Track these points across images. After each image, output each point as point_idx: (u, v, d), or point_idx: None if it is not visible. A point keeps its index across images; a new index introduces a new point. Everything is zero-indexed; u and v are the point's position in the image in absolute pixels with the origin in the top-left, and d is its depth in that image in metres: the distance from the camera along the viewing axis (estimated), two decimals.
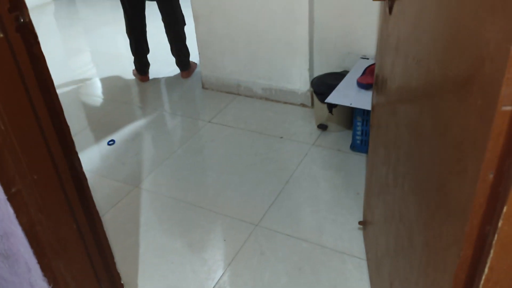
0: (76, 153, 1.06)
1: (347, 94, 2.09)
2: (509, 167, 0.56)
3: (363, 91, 2.11)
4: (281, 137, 2.40)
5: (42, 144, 0.92)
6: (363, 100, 2.04)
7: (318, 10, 2.39)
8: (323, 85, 2.30)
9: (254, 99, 2.80)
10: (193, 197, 2.01)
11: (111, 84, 3.22)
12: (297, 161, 2.20)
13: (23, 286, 1.15)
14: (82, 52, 3.91)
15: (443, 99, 0.74)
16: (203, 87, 2.99)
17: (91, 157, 2.37)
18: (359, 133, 2.17)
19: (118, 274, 1.29)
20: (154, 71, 3.25)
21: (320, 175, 2.10)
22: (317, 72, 2.56)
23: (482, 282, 0.60)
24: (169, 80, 3.16)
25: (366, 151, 2.19)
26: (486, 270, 0.59)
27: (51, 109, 0.95)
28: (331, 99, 2.08)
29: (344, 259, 1.66)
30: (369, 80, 2.10)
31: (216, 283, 1.59)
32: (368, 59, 2.36)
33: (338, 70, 2.48)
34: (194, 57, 3.23)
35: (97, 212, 1.16)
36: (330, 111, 2.27)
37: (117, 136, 2.54)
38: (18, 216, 0.96)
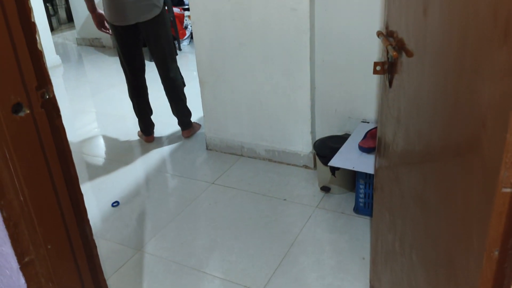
0: (88, 221, 1.08)
1: (349, 158, 2.13)
2: None
3: (364, 154, 2.15)
4: (285, 199, 2.41)
5: (57, 215, 0.94)
6: (365, 163, 2.08)
7: (319, 78, 2.50)
8: (326, 148, 2.36)
9: (257, 160, 2.84)
10: (196, 262, 2.00)
11: (115, 145, 3.28)
12: (301, 224, 2.20)
13: None
14: (88, 113, 4.01)
15: (447, 172, 0.77)
16: (207, 148, 3.05)
17: (94, 218, 2.37)
18: (362, 195, 2.19)
19: None
20: (159, 131, 3.32)
21: (324, 238, 2.09)
22: (319, 135, 2.63)
23: None
24: (173, 141, 3.23)
25: (369, 214, 2.20)
26: None
27: (67, 179, 0.98)
28: (334, 162, 2.12)
29: None
30: (370, 144, 2.16)
31: None
32: (368, 122, 2.43)
33: (340, 133, 2.54)
34: (199, 118, 3.32)
35: (104, 281, 1.16)
36: (333, 174, 2.31)
37: (121, 197, 2.56)
38: (28, 286, 0.96)
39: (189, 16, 5.87)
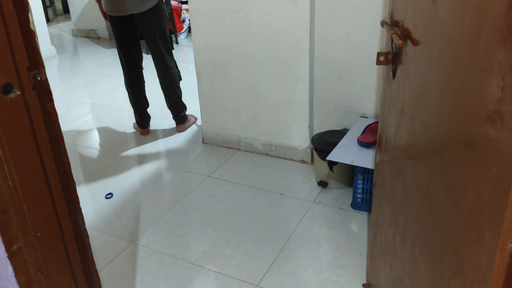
0: (80, 210, 1.05)
1: (348, 152, 2.11)
2: None
3: (363, 149, 2.13)
4: (282, 194, 2.38)
5: (48, 202, 0.90)
6: (364, 158, 2.06)
7: (318, 71, 2.47)
8: (324, 142, 2.33)
9: (254, 155, 2.81)
10: (191, 255, 1.96)
11: (111, 137, 3.23)
12: (297, 218, 2.17)
13: None
14: (83, 104, 3.96)
15: (455, 164, 0.74)
16: (203, 141, 3.01)
17: (88, 210, 2.33)
18: (360, 191, 2.17)
19: None
20: (155, 124, 3.28)
21: (321, 234, 2.06)
22: (317, 129, 2.60)
23: None
24: (169, 134, 3.19)
25: (367, 210, 2.17)
26: None
27: (59, 166, 0.94)
28: (332, 156, 2.09)
29: None
30: (370, 138, 2.13)
31: None
32: (367, 117, 2.40)
33: (338, 128, 2.51)
34: (195, 111, 3.28)
35: (96, 273, 1.12)
36: (331, 169, 2.28)
37: (115, 189, 2.52)
38: (17, 275, 0.92)
39: (186, 10, 5.82)
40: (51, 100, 0.90)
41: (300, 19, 2.34)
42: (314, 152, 2.40)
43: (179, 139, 3.10)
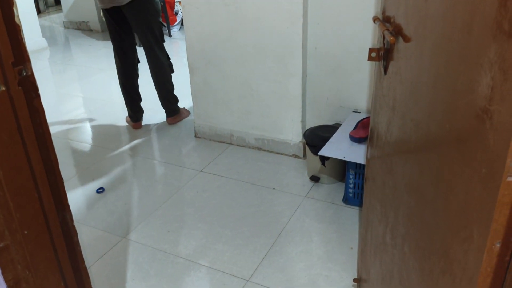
0: (69, 207, 1.03)
1: (340, 147, 2.10)
2: None
3: (355, 144, 2.13)
4: (274, 188, 2.38)
5: (35, 200, 0.89)
6: (355, 153, 2.06)
7: (311, 65, 2.46)
8: (316, 137, 2.32)
9: (246, 149, 2.80)
10: (183, 250, 1.96)
11: (102, 131, 3.21)
12: (289, 213, 2.17)
13: None
14: (75, 97, 3.92)
15: (446, 163, 0.74)
16: (195, 136, 3.00)
17: (78, 205, 2.31)
18: (351, 186, 2.17)
19: None
20: (148, 118, 3.26)
21: (312, 228, 2.07)
22: (310, 124, 2.59)
23: None
24: (162, 128, 3.17)
25: (358, 204, 2.18)
26: None
27: (47, 163, 0.93)
28: (324, 151, 2.09)
29: None
30: (362, 134, 2.13)
31: None
32: (360, 112, 2.40)
33: (330, 122, 2.51)
34: (188, 105, 3.27)
35: (85, 269, 1.11)
36: (323, 163, 2.28)
37: (107, 184, 2.50)
38: (4, 273, 0.91)
39: (179, 2, 5.76)
40: (38, 96, 0.89)
41: (293, 13, 2.32)
42: (306, 147, 2.40)
43: (172, 133, 3.09)
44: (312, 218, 2.14)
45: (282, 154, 2.71)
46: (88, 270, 1.81)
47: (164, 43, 3.02)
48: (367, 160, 1.51)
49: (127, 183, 2.51)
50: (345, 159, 2.02)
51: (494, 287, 0.60)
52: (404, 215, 1.00)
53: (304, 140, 2.56)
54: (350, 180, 2.16)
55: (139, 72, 3.11)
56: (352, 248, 1.92)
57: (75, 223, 2.18)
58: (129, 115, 3.15)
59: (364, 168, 2.01)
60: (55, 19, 7.09)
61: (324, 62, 2.42)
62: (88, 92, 4.04)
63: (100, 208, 2.29)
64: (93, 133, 3.22)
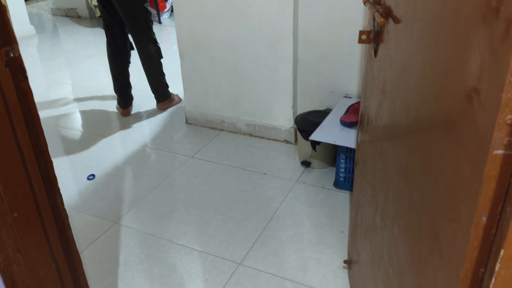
0: (59, 191, 1.03)
1: (330, 132, 2.11)
2: (501, 210, 0.57)
3: (346, 129, 2.14)
4: (265, 174, 2.39)
5: (25, 182, 0.89)
6: (346, 138, 2.07)
7: (302, 51, 2.45)
8: (307, 122, 2.33)
9: (237, 135, 2.80)
10: (174, 235, 1.97)
11: (92, 118, 3.19)
12: (280, 198, 2.19)
13: None
14: (64, 84, 3.88)
15: (434, 145, 0.75)
16: (186, 122, 2.99)
17: (69, 191, 2.31)
18: (342, 170, 2.19)
19: None
20: (139, 105, 3.24)
21: (303, 212, 2.08)
22: (301, 110, 2.59)
23: None
24: (153, 115, 3.15)
25: (349, 189, 2.20)
26: None
27: (36, 146, 0.93)
28: (315, 136, 2.10)
29: None
30: (352, 118, 2.14)
31: None
32: (350, 97, 2.41)
33: (321, 108, 2.52)
34: (180, 92, 3.25)
35: (77, 252, 1.11)
36: (314, 148, 2.29)
37: (97, 170, 2.49)
38: None
39: None
40: (26, 78, 0.88)
41: None
42: (298, 132, 2.40)
43: (163, 120, 3.07)
44: (303, 203, 2.15)
45: (273, 140, 2.72)
46: (81, 255, 1.82)
47: (152, 30, 2.99)
48: (357, 144, 1.52)
49: (118, 170, 2.50)
50: (336, 143, 2.04)
51: (480, 261, 0.61)
52: (393, 198, 1.01)
53: (295, 126, 2.56)
54: (341, 165, 2.17)
55: (132, 60, 3.08)
56: (343, 232, 1.94)
57: (67, 209, 2.19)
58: (118, 102, 3.13)
59: (354, 153, 2.03)
60: (43, 6, 6.98)
61: (315, 47, 2.41)
62: (77, 79, 4.00)
63: (91, 194, 2.29)
64: (83, 120, 3.20)
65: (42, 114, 3.20)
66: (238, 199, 2.20)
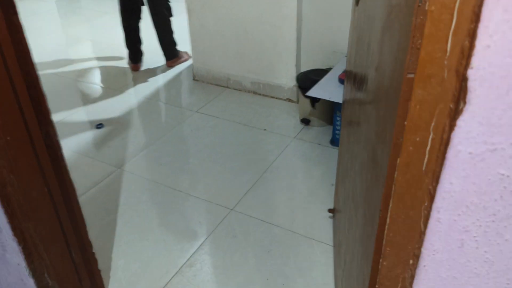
0: (51, 122, 1.13)
1: (328, 89, 2.15)
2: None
3: (343, 86, 2.17)
4: (265, 129, 2.46)
5: (16, 109, 0.98)
6: (342, 95, 2.11)
7: (306, 9, 2.46)
8: (307, 80, 2.37)
9: (242, 93, 2.86)
10: (173, 182, 2.08)
11: (106, 72, 3.29)
12: (277, 152, 2.26)
13: None
14: (81, 40, 3.98)
15: (380, 83, 0.80)
16: (194, 78, 3.06)
17: (79, 138, 2.43)
18: (338, 128, 2.24)
19: (89, 242, 1.35)
20: (149, 61, 3.32)
21: (298, 166, 2.16)
22: (304, 68, 2.63)
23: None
24: (162, 70, 3.23)
25: None
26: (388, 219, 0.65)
27: (27, 78, 1.01)
28: (312, 92, 2.15)
29: (312, 244, 1.72)
30: None
31: (187, 260, 1.65)
32: None
33: (324, 67, 2.54)
34: (188, 48, 3.31)
35: (70, 180, 1.22)
36: (313, 106, 2.34)
37: (106, 121, 2.61)
38: None
39: None
40: (16, 13, 0.96)
41: None
42: (299, 90, 2.45)
43: (171, 76, 3.15)
44: (298, 158, 2.23)
45: (276, 98, 2.77)
46: (85, 195, 1.96)
47: None
48: (344, 100, 1.57)
49: (125, 120, 2.62)
50: (331, 99, 2.08)
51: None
52: (360, 141, 1.07)
53: (297, 84, 2.60)
54: (337, 122, 2.23)
55: (143, 16, 3.13)
56: (333, 185, 2.02)
57: (75, 154, 2.32)
58: (129, 57, 3.21)
59: None
60: None
61: (319, 6, 2.42)
62: (94, 34, 4.09)
63: (99, 141, 2.41)
64: (96, 73, 3.30)
65: (61, 68, 3.32)
66: (237, 152, 2.28)
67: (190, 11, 2.81)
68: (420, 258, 0.67)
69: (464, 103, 0.52)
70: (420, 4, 0.54)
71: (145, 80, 3.11)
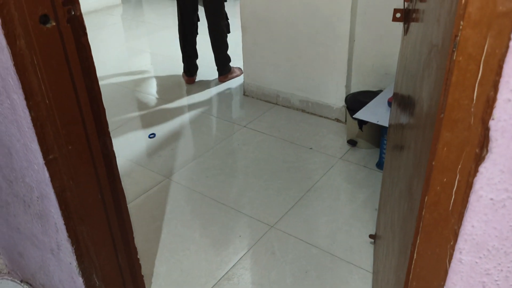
0: (109, 134, 1.22)
1: (376, 112, 2.15)
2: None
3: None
4: (311, 148, 2.48)
5: (79, 121, 1.07)
6: None
7: (359, 31, 2.47)
8: (356, 102, 2.37)
9: (291, 110, 2.90)
10: (217, 194, 2.14)
11: (162, 84, 3.44)
12: (322, 172, 2.27)
13: (52, 245, 1.31)
14: (142, 52, 4.19)
15: (420, 116, 0.81)
16: (244, 94, 3.14)
17: (132, 146, 2.56)
18: (385, 151, 2.21)
19: (135, 248, 1.43)
20: (203, 75, 3.45)
21: (342, 188, 2.16)
22: (354, 89, 2.63)
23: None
24: (214, 85, 3.34)
25: None
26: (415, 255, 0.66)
27: (90, 93, 1.11)
28: (359, 115, 2.15)
29: (351, 269, 1.71)
30: None
31: (225, 274, 1.70)
32: None
33: (374, 89, 2.53)
34: (240, 64, 3.40)
35: (121, 189, 1.30)
36: (360, 128, 2.33)
37: (159, 130, 2.73)
38: (52, 180, 1.12)
39: None
40: (85, 34, 1.05)
41: None
42: (347, 111, 2.45)
43: (223, 90, 3.25)
44: (343, 179, 2.22)
45: (325, 117, 2.78)
46: (135, 201, 2.07)
47: (224, 4, 3.15)
48: (390, 124, 1.56)
49: (176, 132, 2.73)
50: (379, 123, 2.07)
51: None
52: (398, 168, 1.08)
53: (346, 105, 2.60)
54: (385, 146, 2.20)
55: (200, 31, 3.27)
56: (376, 210, 2.00)
57: (128, 161, 2.44)
58: (184, 70, 3.35)
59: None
60: None
61: (372, 28, 2.42)
62: (154, 47, 4.30)
63: (151, 151, 2.53)
64: (152, 84, 3.47)
65: (122, 78, 3.53)
66: (281, 168, 2.32)
67: (244, 29, 2.90)
68: None
69: (487, 150, 0.54)
70: (454, 49, 0.56)
71: (197, 93, 3.23)
